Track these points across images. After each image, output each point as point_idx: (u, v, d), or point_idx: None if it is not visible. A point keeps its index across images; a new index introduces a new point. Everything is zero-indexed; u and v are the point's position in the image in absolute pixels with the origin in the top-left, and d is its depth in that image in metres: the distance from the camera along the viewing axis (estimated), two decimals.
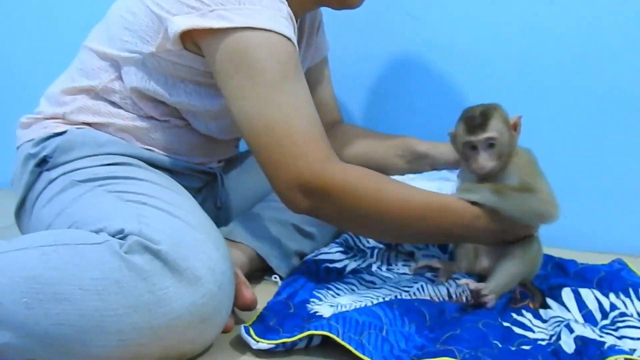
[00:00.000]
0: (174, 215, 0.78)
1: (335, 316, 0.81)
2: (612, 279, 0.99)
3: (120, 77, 0.96)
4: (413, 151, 1.16)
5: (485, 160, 0.90)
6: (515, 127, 0.93)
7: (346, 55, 1.40)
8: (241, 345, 0.80)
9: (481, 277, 0.97)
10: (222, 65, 0.84)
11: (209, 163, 1.11)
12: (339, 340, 0.76)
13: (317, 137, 0.83)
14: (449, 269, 1.01)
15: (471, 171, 0.93)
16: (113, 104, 0.97)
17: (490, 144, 0.90)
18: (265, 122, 0.82)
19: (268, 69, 0.82)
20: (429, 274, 1.04)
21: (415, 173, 1.15)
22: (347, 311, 0.84)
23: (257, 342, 0.78)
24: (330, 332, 0.76)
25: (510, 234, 0.92)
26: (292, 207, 0.85)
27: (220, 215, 1.14)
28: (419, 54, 1.38)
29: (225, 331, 0.83)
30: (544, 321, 0.89)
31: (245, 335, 0.79)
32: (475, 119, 0.90)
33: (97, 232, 0.76)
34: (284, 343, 0.77)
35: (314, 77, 1.19)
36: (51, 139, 0.94)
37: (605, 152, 1.30)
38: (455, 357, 0.73)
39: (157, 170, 0.95)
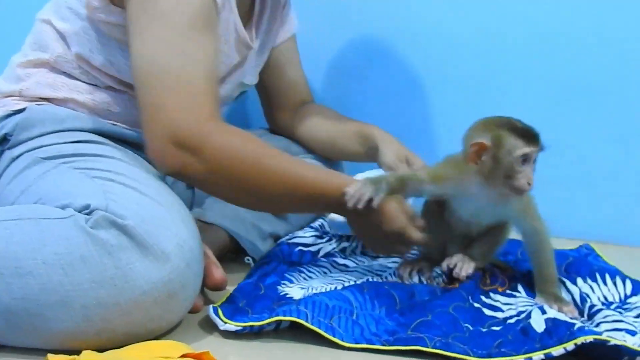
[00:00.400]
0: (141, 193, 0.76)
1: (304, 300, 0.80)
2: (579, 264, 1.00)
3: (70, 47, 0.92)
4: (371, 141, 1.12)
5: (532, 176, 0.83)
6: None
7: (316, 35, 1.38)
8: (209, 325, 0.79)
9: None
10: (132, 8, 0.80)
11: None
12: (307, 324, 0.75)
13: (207, 96, 0.79)
14: (430, 265, 0.99)
15: (512, 190, 0.84)
16: (69, 75, 0.93)
17: (535, 158, 0.84)
18: (161, 65, 0.78)
19: (176, 13, 0.78)
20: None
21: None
22: (316, 294, 0.83)
23: (225, 323, 0.76)
24: (299, 318, 0.75)
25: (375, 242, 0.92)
26: (159, 159, 0.79)
27: (192, 195, 1.12)
28: (388, 37, 1.37)
29: (193, 311, 0.82)
30: (513, 297, 0.89)
31: (213, 316, 0.78)
32: (532, 131, 0.84)
33: (62, 208, 0.73)
34: (251, 326, 0.76)
35: (284, 56, 1.16)
36: (10, 117, 0.90)
37: (573, 140, 1.30)
38: (426, 346, 0.73)
39: (123, 148, 0.92)
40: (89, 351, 0.68)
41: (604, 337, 0.70)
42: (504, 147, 0.83)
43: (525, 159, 0.83)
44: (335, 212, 0.93)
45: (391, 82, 1.37)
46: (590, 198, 1.31)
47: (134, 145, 0.96)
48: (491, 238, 0.95)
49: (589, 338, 0.70)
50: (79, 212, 0.72)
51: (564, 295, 0.89)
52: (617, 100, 1.27)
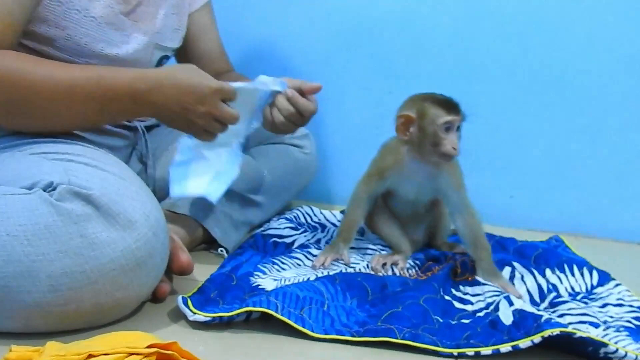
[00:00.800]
0: (103, 170, 0.76)
1: (275, 291, 0.79)
2: (548, 255, 1.01)
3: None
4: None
5: (457, 142, 0.89)
6: None
7: (288, 26, 1.38)
8: (179, 316, 0.78)
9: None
10: None
11: None
12: (277, 315, 0.74)
13: None
14: (404, 257, 1.00)
15: (440, 156, 0.90)
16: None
17: (458, 126, 0.91)
18: None
19: None
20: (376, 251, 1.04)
21: None
22: (288, 286, 0.82)
23: (194, 313, 0.75)
24: (269, 309, 0.74)
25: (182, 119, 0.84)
26: None
27: (147, 172, 1.08)
28: (359, 27, 1.36)
29: (159, 296, 0.81)
30: (481, 285, 0.89)
31: (182, 306, 0.77)
32: (452, 101, 0.90)
33: (27, 189, 0.72)
34: (221, 317, 0.75)
35: (197, 24, 1.11)
36: None
37: (540, 132, 1.32)
38: (395, 337, 0.73)
39: (76, 132, 0.89)
40: (53, 342, 0.66)
41: (570, 329, 0.71)
42: (428, 117, 0.89)
43: (448, 127, 0.89)
44: (128, 108, 0.83)
45: (364, 72, 1.37)
46: (560, 190, 1.33)
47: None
48: (434, 219, 1.04)
49: (556, 331, 0.70)
50: (43, 190, 0.71)
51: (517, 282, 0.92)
52: (584, 92, 1.28)
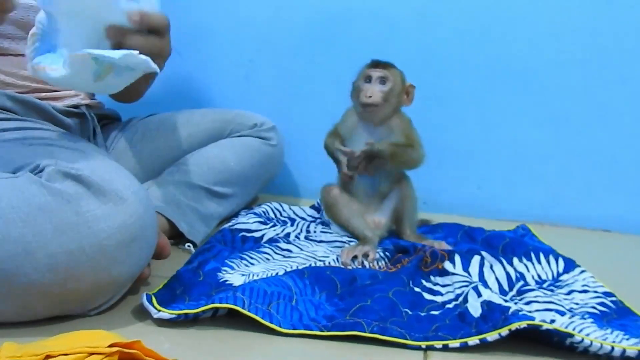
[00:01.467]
0: (83, 152, 0.74)
1: (242, 287, 0.77)
2: (515, 244, 1.01)
3: None
4: None
5: (372, 91, 0.97)
6: (407, 93, 1.02)
7: (259, 16, 1.35)
8: (143, 314, 0.74)
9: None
10: None
11: (66, 98, 1.00)
12: (244, 312, 0.72)
13: None
14: (373, 248, 0.98)
15: (357, 104, 1.00)
16: None
17: (383, 80, 0.98)
18: None
19: None
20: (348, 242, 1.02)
21: None
22: (255, 281, 0.80)
23: (158, 311, 0.72)
24: (235, 305, 0.72)
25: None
26: None
27: None
28: (329, 21, 1.34)
29: (143, 277, 0.79)
30: (450, 275, 0.88)
31: (146, 303, 0.74)
32: (380, 61, 1.01)
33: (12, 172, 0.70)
34: (186, 314, 0.72)
35: None
36: None
37: (505, 122, 1.32)
38: (363, 331, 0.71)
39: (41, 121, 0.87)
40: (10, 342, 0.63)
41: (537, 322, 0.70)
42: (358, 74, 1.03)
43: (368, 79, 0.99)
44: None
45: (333, 64, 1.35)
46: (526, 180, 1.33)
47: (48, 117, 0.90)
48: (400, 201, 1.04)
49: (523, 324, 0.70)
50: (31, 173, 0.69)
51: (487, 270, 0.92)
52: (546, 83, 1.29)
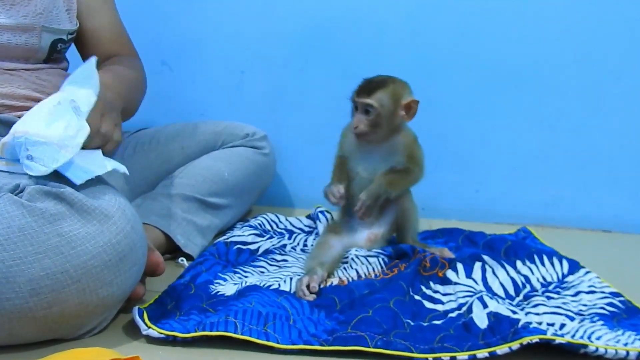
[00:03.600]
0: None
1: (235, 309, 0.71)
2: (517, 247, 0.97)
3: None
4: None
5: (358, 122, 0.91)
6: (408, 109, 0.92)
7: (249, 25, 1.31)
8: (137, 331, 0.69)
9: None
10: None
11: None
12: (237, 336, 0.66)
13: None
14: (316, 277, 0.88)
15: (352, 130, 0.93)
16: None
17: (367, 110, 0.90)
18: None
19: None
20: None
21: None
22: (249, 301, 0.74)
23: (148, 328, 0.67)
24: (227, 331, 0.66)
25: None
26: None
27: None
28: (321, 28, 1.30)
29: (134, 297, 0.74)
30: (452, 284, 0.83)
31: (137, 318, 0.69)
32: (367, 85, 0.92)
33: None
34: (175, 337, 0.67)
35: (85, 2, 0.98)
36: None
37: (502, 125, 1.27)
38: (367, 346, 0.65)
39: None
40: None
41: (549, 336, 0.65)
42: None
43: (355, 107, 0.92)
44: None
45: (323, 72, 1.30)
46: (524, 182, 1.29)
47: None
48: (400, 214, 0.98)
49: (535, 338, 0.65)
50: (11, 193, 0.64)
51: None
52: (541, 84, 1.25)
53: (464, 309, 0.76)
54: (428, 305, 0.79)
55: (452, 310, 0.77)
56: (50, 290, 0.62)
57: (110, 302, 0.67)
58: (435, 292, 0.82)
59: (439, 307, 0.78)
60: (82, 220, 0.63)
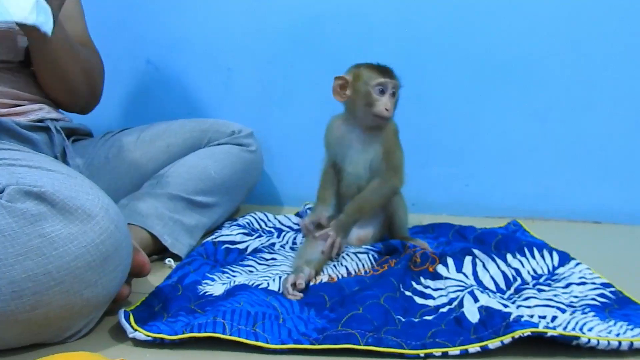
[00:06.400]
0: (48, 170, 0.68)
1: (223, 309, 0.69)
2: (508, 240, 0.96)
3: None
4: None
5: (390, 104, 0.89)
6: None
7: (236, 22, 1.29)
8: (123, 334, 0.68)
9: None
10: None
11: (30, 113, 0.94)
12: (225, 337, 0.65)
13: None
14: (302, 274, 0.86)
15: (371, 116, 0.89)
16: None
17: (394, 92, 0.90)
18: None
19: None
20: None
21: None
22: (237, 301, 0.72)
23: (135, 330, 0.66)
24: (215, 332, 0.65)
25: None
26: None
27: None
28: (309, 23, 1.29)
29: (119, 299, 0.73)
30: (442, 279, 0.82)
31: (123, 321, 0.67)
32: (386, 66, 0.91)
33: None
34: (162, 339, 0.65)
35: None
36: None
37: (492, 117, 1.26)
38: (358, 343, 0.64)
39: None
40: None
41: (541, 329, 0.65)
42: (362, 79, 0.90)
43: (382, 89, 0.89)
44: None
45: (312, 68, 1.29)
46: (514, 175, 1.28)
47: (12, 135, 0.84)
48: (390, 213, 0.97)
49: (527, 331, 0.64)
50: None
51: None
52: (529, 76, 1.24)
53: (455, 303, 0.75)
54: (419, 300, 0.78)
55: (443, 305, 0.76)
56: (33, 293, 0.60)
57: (95, 303, 0.66)
58: (426, 287, 0.81)
59: (430, 303, 0.77)
60: (64, 221, 0.62)
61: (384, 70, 0.90)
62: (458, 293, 0.77)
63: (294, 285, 0.79)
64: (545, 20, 1.22)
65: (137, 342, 0.66)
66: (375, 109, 0.89)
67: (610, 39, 1.22)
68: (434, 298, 0.79)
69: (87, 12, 1.10)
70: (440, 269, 0.85)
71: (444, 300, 0.77)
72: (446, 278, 0.83)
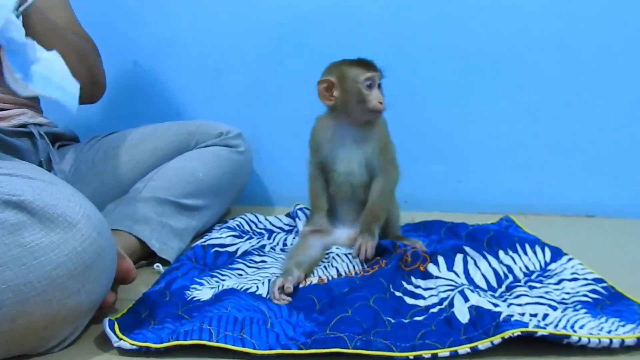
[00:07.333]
0: (29, 178, 0.66)
1: (209, 315, 0.68)
2: (500, 237, 0.96)
3: None
4: None
5: (382, 97, 0.88)
6: None
7: (221, 22, 1.28)
8: (109, 343, 0.66)
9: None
10: None
11: (13, 118, 0.93)
12: (212, 344, 0.64)
13: None
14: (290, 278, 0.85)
15: (367, 112, 0.88)
16: None
17: (379, 83, 0.89)
18: None
19: None
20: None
21: None
22: (224, 306, 0.71)
23: (120, 339, 0.65)
24: (201, 339, 0.64)
25: None
26: None
27: None
28: (296, 22, 1.28)
29: (104, 306, 0.71)
30: (433, 278, 0.82)
31: (107, 330, 0.66)
32: (367, 60, 0.90)
33: None
34: (148, 347, 0.64)
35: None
36: None
37: (485, 115, 1.26)
38: (346, 347, 0.63)
39: None
40: None
41: (531, 329, 0.64)
42: (349, 78, 0.88)
43: (370, 83, 0.88)
44: None
45: (302, 66, 1.28)
46: (506, 171, 1.28)
47: None
48: None
49: (516, 331, 0.63)
50: None
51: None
52: (520, 72, 1.24)
53: (446, 303, 0.74)
54: (409, 301, 0.77)
55: (434, 306, 0.75)
56: (13, 303, 0.59)
57: (79, 312, 0.65)
58: (417, 287, 0.81)
59: (421, 303, 0.77)
60: (44, 229, 0.61)
61: (368, 65, 0.89)
62: (448, 293, 0.77)
63: (281, 289, 0.78)
64: (535, 16, 1.22)
65: (123, 352, 0.65)
66: (370, 105, 0.88)
67: (600, 34, 1.21)
68: (424, 298, 0.78)
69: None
70: (431, 268, 0.84)
71: (435, 300, 0.77)
72: (437, 277, 0.82)
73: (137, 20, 1.31)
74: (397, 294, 0.78)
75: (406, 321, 0.71)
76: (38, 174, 0.68)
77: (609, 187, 1.25)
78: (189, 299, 0.76)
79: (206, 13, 1.29)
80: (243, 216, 1.11)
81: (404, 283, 0.81)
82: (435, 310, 0.74)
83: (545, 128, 1.25)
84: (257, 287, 0.80)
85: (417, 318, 0.72)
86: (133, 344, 0.64)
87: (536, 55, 1.23)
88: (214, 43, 1.30)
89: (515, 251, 0.91)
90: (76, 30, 1.05)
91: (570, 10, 1.21)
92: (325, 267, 0.88)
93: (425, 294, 0.79)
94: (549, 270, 0.87)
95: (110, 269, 0.68)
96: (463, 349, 0.64)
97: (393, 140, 0.95)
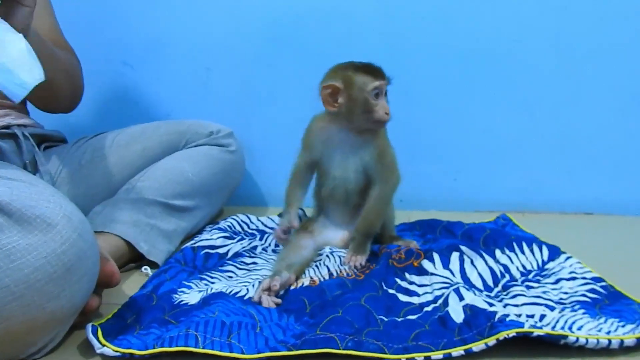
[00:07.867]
0: (8, 178, 0.65)
1: (196, 321, 0.67)
2: (497, 235, 0.94)
3: None
4: None
5: (388, 107, 0.84)
6: None
7: (216, 20, 1.26)
8: (90, 348, 0.64)
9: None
10: None
11: None
12: (198, 350, 0.62)
13: None
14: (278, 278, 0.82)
15: (373, 123, 0.84)
16: None
17: (385, 92, 0.86)
18: None
19: None
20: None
21: None
22: (212, 311, 0.69)
23: (102, 346, 0.63)
24: (187, 345, 0.62)
25: None
26: None
27: None
28: (293, 20, 1.26)
29: (88, 310, 0.69)
30: (428, 275, 0.80)
31: (90, 336, 0.64)
32: (375, 66, 0.85)
33: None
34: (132, 354, 0.62)
35: None
36: None
37: (481, 113, 1.24)
38: (337, 347, 0.62)
39: None
40: None
41: (526, 329, 0.62)
42: (356, 85, 0.83)
43: (377, 92, 0.84)
44: None
45: (295, 65, 1.26)
46: (502, 169, 1.26)
47: None
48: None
49: (512, 332, 0.62)
50: None
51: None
52: (516, 69, 1.22)
53: (440, 301, 0.73)
54: (403, 298, 0.75)
55: (428, 304, 0.73)
56: None
57: (60, 317, 0.63)
58: (411, 283, 0.79)
59: (415, 300, 0.75)
60: (22, 231, 0.59)
61: (376, 72, 0.84)
62: (443, 290, 0.75)
63: (268, 289, 0.76)
64: (532, 14, 1.20)
65: (106, 358, 0.63)
66: (376, 115, 0.83)
67: (598, 32, 1.20)
68: (418, 295, 0.76)
69: (60, 12, 1.07)
70: (426, 264, 0.82)
71: (429, 297, 0.75)
72: (432, 274, 0.80)
73: (125, 18, 1.29)
74: (391, 291, 0.77)
75: (399, 320, 0.69)
76: (18, 175, 0.67)
77: (607, 185, 1.24)
78: (176, 302, 0.75)
79: (196, 11, 1.27)
80: (235, 217, 1.09)
81: (398, 280, 0.79)
82: (429, 308, 0.72)
83: (543, 125, 1.24)
84: (247, 289, 0.79)
85: (410, 317, 0.70)
86: (117, 351, 0.62)
87: (533, 52, 1.21)
88: (204, 41, 1.28)
89: (512, 250, 0.89)
90: (59, 40, 1.04)
91: (567, 8, 1.19)
92: (317, 266, 0.86)
93: (420, 290, 0.77)
94: (546, 269, 0.86)
95: (92, 272, 0.66)
96: (457, 352, 0.62)
97: (389, 138, 0.93)
